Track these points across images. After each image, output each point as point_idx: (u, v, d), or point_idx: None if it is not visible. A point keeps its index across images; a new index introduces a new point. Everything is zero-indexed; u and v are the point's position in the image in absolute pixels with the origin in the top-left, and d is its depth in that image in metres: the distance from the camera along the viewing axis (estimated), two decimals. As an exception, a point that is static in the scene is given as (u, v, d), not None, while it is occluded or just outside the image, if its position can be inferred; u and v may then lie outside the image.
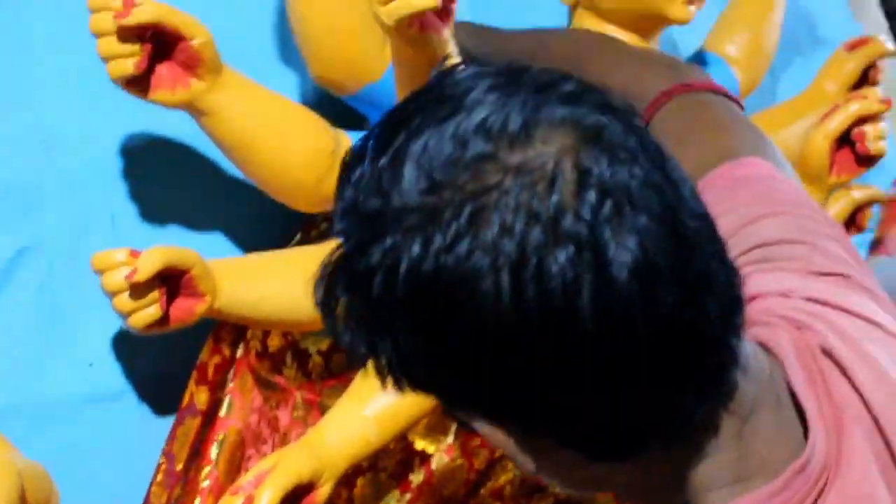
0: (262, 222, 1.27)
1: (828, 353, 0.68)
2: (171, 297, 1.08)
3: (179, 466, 1.21)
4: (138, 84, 1.05)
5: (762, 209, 0.78)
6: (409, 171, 0.55)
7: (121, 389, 1.21)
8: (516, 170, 0.54)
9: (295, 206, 1.17)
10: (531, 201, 0.53)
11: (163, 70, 1.06)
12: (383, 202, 0.55)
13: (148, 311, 1.05)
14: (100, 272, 1.05)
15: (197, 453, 1.22)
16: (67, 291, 1.17)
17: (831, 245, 0.76)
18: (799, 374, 0.67)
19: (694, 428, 0.63)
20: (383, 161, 0.56)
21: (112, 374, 1.20)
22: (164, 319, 1.07)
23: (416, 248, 0.54)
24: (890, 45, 1.49)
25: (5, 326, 1.15)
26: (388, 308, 0.56)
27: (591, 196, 0.53)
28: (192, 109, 1.09)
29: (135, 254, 1.04)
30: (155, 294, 1.05)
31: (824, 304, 0.72)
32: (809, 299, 0.72)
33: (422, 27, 0.96)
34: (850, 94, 1.42)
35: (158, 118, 1.17)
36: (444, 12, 0.98)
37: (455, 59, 1.02)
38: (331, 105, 1.25)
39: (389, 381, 0.60)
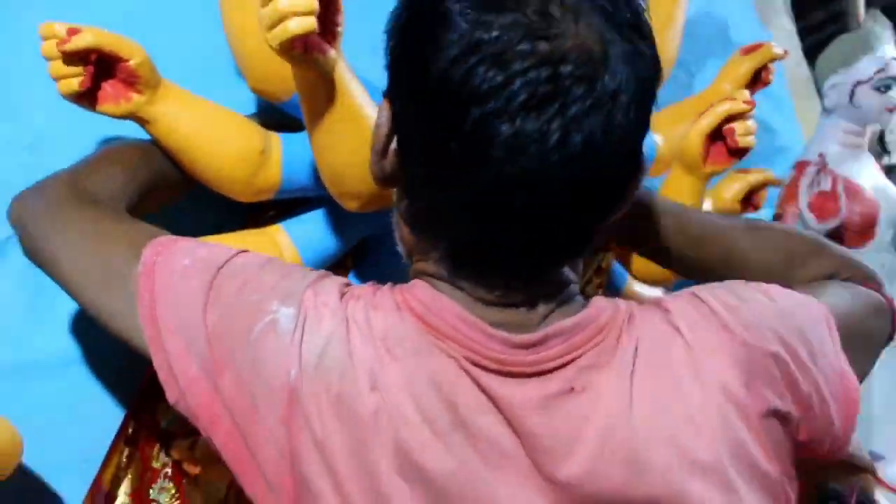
0: (216, 210, 1.44)
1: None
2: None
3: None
4: (86, 99, 1.22)
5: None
6: None
7: (99, 351, 1.36)
8: None
9: (233, 197, 1.34)
10: None
11: (107, 87, 1.22)
12: None
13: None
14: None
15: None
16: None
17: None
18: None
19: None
20: None
21: (90, 337, 1.36)
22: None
23: None
24: (779, 49, 1.63)
25: None
26: None
27: None
28: (136, 119, 1.25)
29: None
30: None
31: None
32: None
33: (305, 49, 1.08)
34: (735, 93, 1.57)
35: (127, 122, 1.31)
36: (329, 34, 1.10)
37: (347, 72, 1.17)
38: (274, 110, 1.42)
39: None
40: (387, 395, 0.86)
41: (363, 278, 1.49)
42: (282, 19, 1.05)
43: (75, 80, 1.19)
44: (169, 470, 1.37)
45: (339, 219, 1.43)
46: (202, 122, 1.28)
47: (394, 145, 0.91)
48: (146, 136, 1.33)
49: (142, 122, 1.27)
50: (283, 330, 0.89)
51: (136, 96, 1.24)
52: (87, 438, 1.39)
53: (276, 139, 1.36)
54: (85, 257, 1.04)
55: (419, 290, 0.91)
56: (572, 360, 0.88)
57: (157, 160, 1.28)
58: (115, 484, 1.36)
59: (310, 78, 1.15)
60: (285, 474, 0.88)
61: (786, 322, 0.92)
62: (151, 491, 1.36)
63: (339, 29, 1.13)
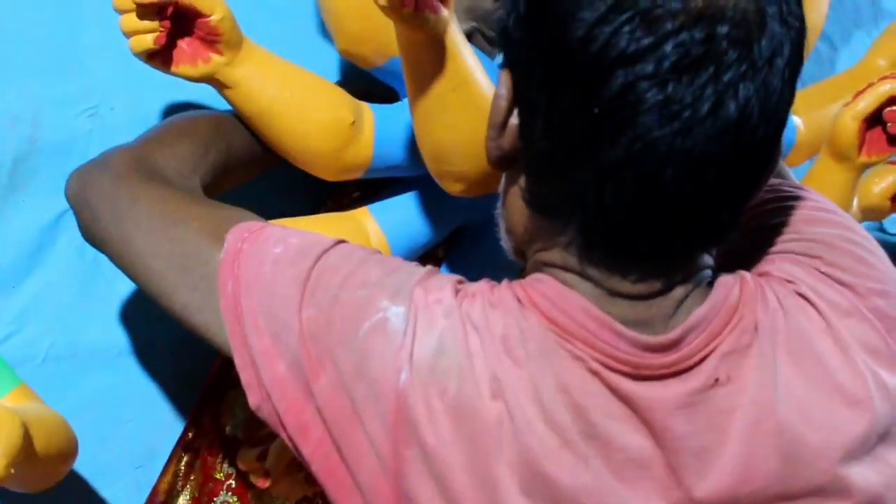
0: (295, 190, 1.32)
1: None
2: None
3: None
4: (160, 58, 1.09)
5: (821, 214, 0.90)
6: None
7: (155, 342, 1.27)
8: None
9: (318, 175, 1.21)
10: None
11: (183, 45, 1.09)
12: None
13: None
14: None
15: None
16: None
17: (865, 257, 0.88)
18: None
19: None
20: None
21: (148, 328, 1.27)
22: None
23: None
24: (948, 22, 1.44)
25: (50, 282, 1.22)
26: None
27: None
28: (214, 82, 1.12)
29: None
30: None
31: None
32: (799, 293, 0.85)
33: (417, 6, 0.96)
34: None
35: (199, 88, 1.20)
36: None
37: (459, 36, 1.04)
38: (359, 77, 1.28)
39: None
40: (511, 402, 0.79)
41: (456, 271, 1.33)
42: None
43: (150, 36, 1.06)
44: (233, 482, 1.23)
45: (432, 204, 1.28)
46: (287, 88, 1.14)
47: (514, 120, 0.83)
48: (222, 104, 1.20)
49: (220, 86, 1.13)
50: (394, 329, 0.81)
51: (215, 57, 1.11)
52: (142, 441, 1.30)
53: (368, 110, 1.21)
54: (158, 240, 0.94)
55: (544, 285, 0.82)
56: (714, 350, 0.81)
57: (233, 134, 1.16)
58: (172, 494, 1.24)
59: (418, 40, 1.01)
60: (386, 489, 0.81)
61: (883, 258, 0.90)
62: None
63: None
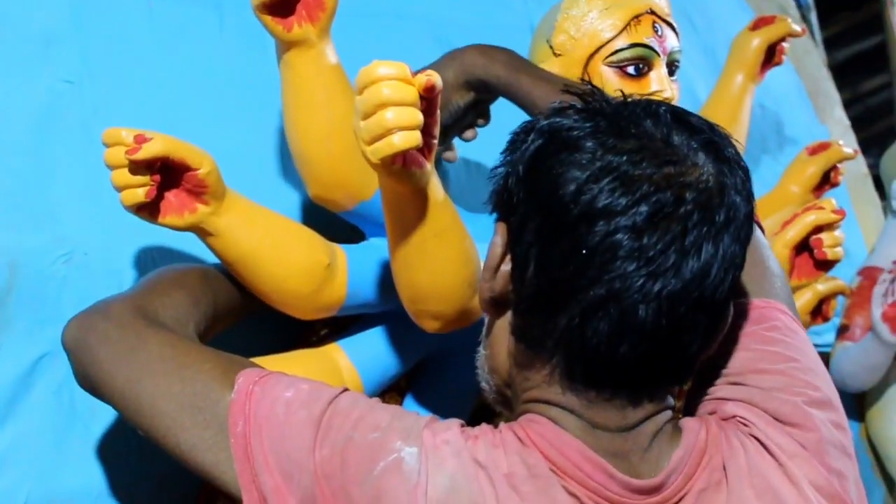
0: (263, 330, 1.35)
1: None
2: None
3: None
4: (148, 210, 1.12)
5: (769, 364, 0.99)
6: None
7: (134, 483, 1.27)
8: None
9: (293, 314, 1.25)
10: None
11: (171, 197, 1.13)
12: None
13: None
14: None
15: None
16: (83, 394, 1.24)
17: (807, 409, 0.96)
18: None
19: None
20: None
21: (126, 469, 1.26)
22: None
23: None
24: (848, 149, 1.58)
25: (27, 429, 1.22)
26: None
27: None
28: (199, 231, 1.16)
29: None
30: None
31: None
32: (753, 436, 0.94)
33: (405, 163, 1.01)
34: (812, 196, 1.50)
35: (172, 234, 1.22)
36: (426, 148, 1.03)
37: (438, 185, 1.10)
38: (328, 217, 1.34)
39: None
40: None
41: (420, 400, 1.39)
42: (387, 133, 0.97)
43: (141, 190, 1.09)
44: None
45: (400, 338, 1.34)
46: (267, 235, 1.19)
47: (505, 266, 0.93)
48: (195, 247, 1.25)
49: (204, 234, 1.18)
50: (409, 469, 0.88)
51: (201, 207, 1.15)
52: None
53: (341, 252, 1.27)
54: (169, 381, 0.99)
55: (540, 426, 0.91)
56: (690, 490, 0.91)
57: (219, 285, 1.21)
58: None
59: (402, 192, 1.07)
60: None
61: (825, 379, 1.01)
62: None
63: (434, 141, 1.06)
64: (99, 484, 1.26)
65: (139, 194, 1.10)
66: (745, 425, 0.95)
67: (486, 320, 0.99)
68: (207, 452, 0.95)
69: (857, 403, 2.08)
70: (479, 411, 1.41)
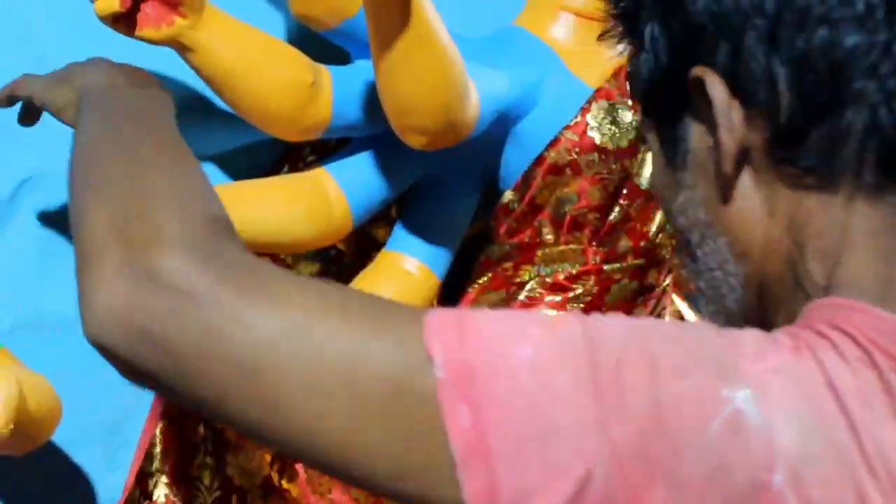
0: (250, 153, 1.33)
1: None
2: None
3: None
4: (124, 22, 1.09)
5: None
6: None
7: None
8: None
9: (277, 135, 1.23)
10: None
11: (147, 8, 1.10)
12: None
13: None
14: None
15: None
16: (67, 218, 1.23)
17: None
18: None
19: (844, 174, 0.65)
20: None
21: None
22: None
23: None
24: None
25: (10, 251, 1.21)
26: None
27: None
28: (177, 46, 1.13)
29: None
30: None
31: None
32: None
33: None
34: None
35: (151, 52, 1.18)
36: None
37: None
38: (314, 41, 1.30)
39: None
40: None
41: (410, 229, 1.36)
42: None
43: None
44: (209, 444, 1.24)
45: (388, 162, 1.31)
46: (250, 51, 1.16)
47: (736, 113, 0.68)
48: (168, 66, 1.21)
49: (182, 49, 1.14)
50: (752, 422, 0.63)
51: (179, 20, 1.11)
52: (113, 407, 1.28)
53: (326, 72, 1.24)
54: (335, 358, 0.62)
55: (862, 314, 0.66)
56: None
57: None
58: (149, 461, 1.23)
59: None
60: None
61: None
62: (191, 468, 1.23)
63: None
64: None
65: (114, 3, 1.07)
66: None
67: (702, 205, 0.72)
68: (406, 463, 0.62)
69: None
70: (472, 240, 1.39)
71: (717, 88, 0.67)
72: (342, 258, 1.39)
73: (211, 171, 1.32)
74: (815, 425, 0.62)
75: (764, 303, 0.71)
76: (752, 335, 0.65)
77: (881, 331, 0.63)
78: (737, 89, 0.67)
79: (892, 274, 0.66)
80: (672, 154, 0.71)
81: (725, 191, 0.70)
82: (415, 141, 1.16)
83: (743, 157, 0.68)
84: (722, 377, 0.63)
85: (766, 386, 0.62)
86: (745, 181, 0.69)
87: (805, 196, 0.67)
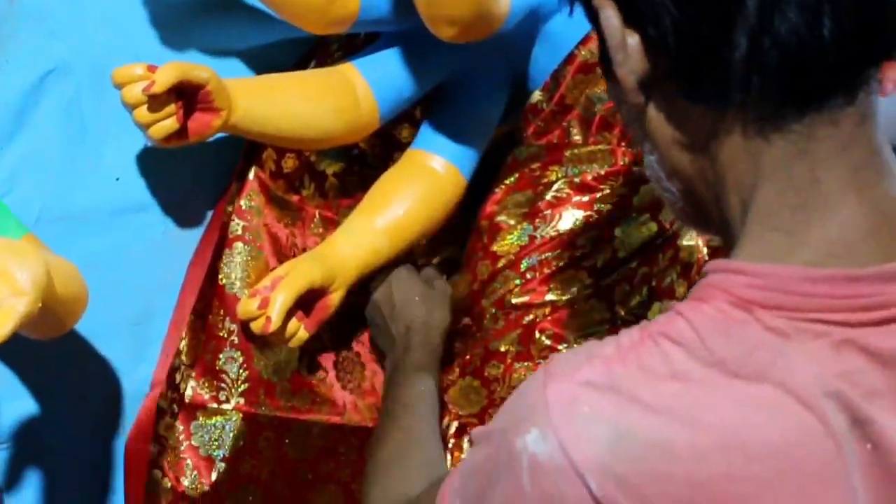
0: (278, 49, 1.32)
1: None
2: (189, 112, 1.14)
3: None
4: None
5: None
6: None
7: (146, 202, 1.26)
8: None
9: (304, 28, 1.21)
10: None
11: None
12: None
13: (165, 123, 1.10)
14: (120, 86, 1.10)
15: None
16: (94, 110, 1.22)
17: None
18: None
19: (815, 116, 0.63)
20: None
21: (137, 188, 1.26)
22: (182, 133, 1.13)
23: None
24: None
25: (37, 143, 1.20)
26: None
27: None
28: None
29: (152, 68, 1.09)
30: (172, 107, 1.10)
31: None
32: None
33: None
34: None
35: None
36: None
37: None
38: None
39: None
40: None
41: (436, 128, 1.35)
42: None
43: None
44: (235, 338, 1.24)
45: (414, 60, 1.29)
46: None
47: (631, 39, 0.68)
48: None
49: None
50: (545, 456, 0.64)
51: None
52: (139, 299, 1.29)
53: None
54: None
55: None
56: None
57: None
58: (176, 355, 1.23)
59: None
60: None
61: None
62: (218, 362, 1.23)
63: None
64: (112, 201, 1.25)
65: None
66: None
67: (637, 121, 0.73)
68: None
69: None
70: (499, 141, 1.38)
71: (610, 20, 0.68)
72: (365, 158, 1.38)
73: (239, 67, 1.30)
74: (627, 425, 0.62)
75: (705, 216, 0.72)
76: (575, 351, 0.67)
77: (759, 287, 0.64)
78: (632, 21, 0.67)
79: (806, 202, 0.65)
80: (607, 65, 0.70)
81: (641, 117, 0.71)
82: (445, 32, 1.14)
83: (649, 86, 0.69)
84: (514, 427, 0.65)
85: (565, 406, 0.63)
86: (655, 110, 0.70)
87: (713, 128, 0.67)
